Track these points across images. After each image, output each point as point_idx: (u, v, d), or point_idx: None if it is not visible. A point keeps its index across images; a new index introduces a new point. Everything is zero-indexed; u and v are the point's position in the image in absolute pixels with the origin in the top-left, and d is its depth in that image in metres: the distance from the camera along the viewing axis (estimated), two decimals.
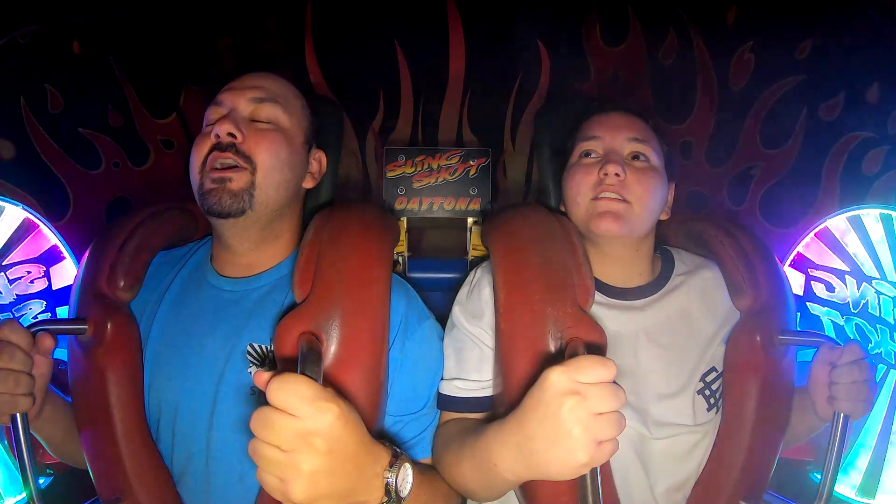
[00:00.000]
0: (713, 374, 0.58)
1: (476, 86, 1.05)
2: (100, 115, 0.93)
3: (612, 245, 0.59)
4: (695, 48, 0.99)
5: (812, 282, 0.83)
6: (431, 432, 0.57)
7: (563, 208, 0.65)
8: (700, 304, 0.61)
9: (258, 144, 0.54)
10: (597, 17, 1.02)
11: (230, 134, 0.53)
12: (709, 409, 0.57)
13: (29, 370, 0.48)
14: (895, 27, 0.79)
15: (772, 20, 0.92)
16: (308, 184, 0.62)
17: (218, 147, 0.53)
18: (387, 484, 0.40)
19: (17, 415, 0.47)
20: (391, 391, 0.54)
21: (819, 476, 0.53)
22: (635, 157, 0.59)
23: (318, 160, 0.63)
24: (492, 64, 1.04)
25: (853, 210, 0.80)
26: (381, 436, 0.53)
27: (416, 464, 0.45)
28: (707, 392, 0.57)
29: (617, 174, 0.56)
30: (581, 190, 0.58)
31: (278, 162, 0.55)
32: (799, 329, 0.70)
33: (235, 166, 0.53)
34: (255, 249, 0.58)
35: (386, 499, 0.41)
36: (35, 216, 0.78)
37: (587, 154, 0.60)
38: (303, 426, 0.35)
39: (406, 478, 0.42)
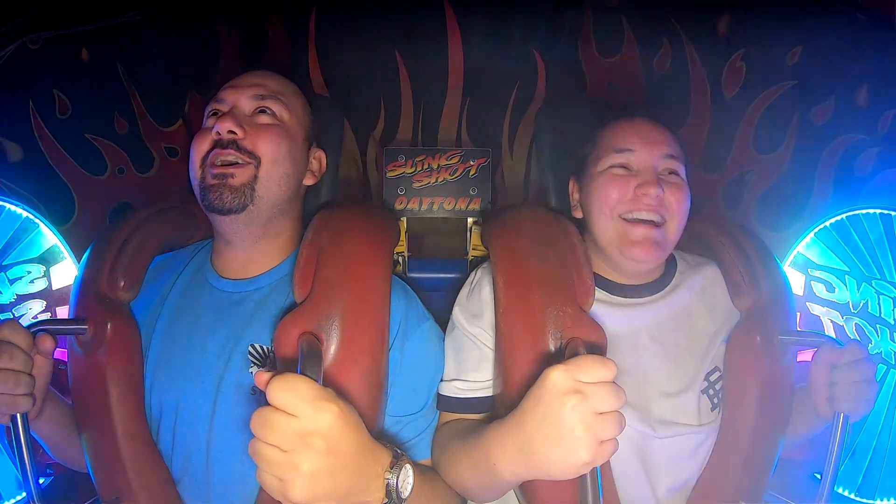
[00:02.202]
0: (717, 374, 0.58)
1: (474, 95, 1.07)
2: (106, 121, 0.95)
3: (635, 265, 0.58)
4: (688, 57, 1.02)
5: (812, 282, 0.83)
6: (431, 433, 0.57)
7: (577, 214, 0.64)
8: (701, 303, 0.61)
9: (260, 139, 0.55)
10: (591, 28, 1.05)
11: (231, 131, 0.54)
12: (713, 409, 0.57)
13: (29, 370, 0.48)
14: (882, 30, 0.81)
15: (762, 28, 0.95)
16: (308, 181, 0.62)
17: (219, 144, 0.54)
18: (387, 485, 0.40)
19: (17, 415, 0.47)
20: (390, 392, 0.54)
21: (819, 476, 0.53)
22: (667, 172, 0.58)
23: (319, 158, 0.64)
24: (489, 74, 1.06)
25: (853, 210, 0.81)
26: (381, 436, 0.53)
27: (415, 464, 0.45)
28: (711, 392, 0.57)
29: (658, 195, 0.55)
30: (612, 204, 0.56)
31: (280, 155, 0.56)
32: (799, 329, 0.71)
33: (237, 163, 0.54)
34: (255, 246, 0.58)
35: (386, 500, 0.40)
36: (35, 216, 0.79)
37: (619, 166, 0.58)
38: (302, 426, 0.35)
39: (407, 479, 0.42)
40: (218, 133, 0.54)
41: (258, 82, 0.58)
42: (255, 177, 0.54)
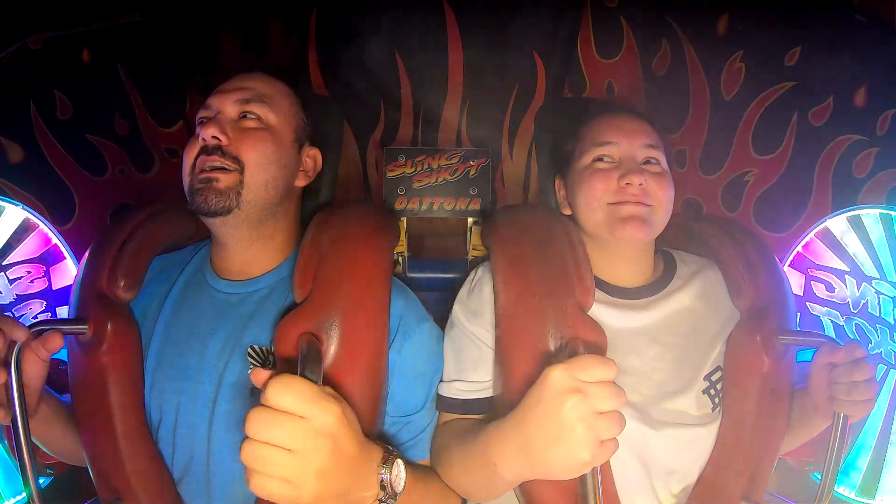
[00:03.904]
0: (718, 374, 0.58)
1: (474, 95, 1.07)
2: (107, 122, 0.95)
3: (627, 247, 0.60)
4: (687, 59, 1.02)
5: (812, 282, 0.83)
6: (429, 434, 0.57)
7: (566, 211, 0.65)
8: (703, 303, 0.61)
9: (244, 144, 0.55)
10: (591, 30, 1.05)
11: (215, 137, 0.54)
12: (714, 409, 0.57)
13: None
14: (880, 31, 0.82)
15: (761, 29, 0.95)
16: (301, 182, 0.62)
17: (205, 150, 0.55)
18: (381, 480, 0.41)
19: (18, 415, 0.47)
20: (389, 392, 0.54)
21: (819, 476, 0.53)
22: (647, 161, 0.59)
23: (313, 157, 0.64)
24: (489, 74, 1.06)
25: (853, 210, 0.81)
26: (381, 438, 0.53)
27: (410, 463, 0.46)
28: (712, 391, 0.57)
29: (641, 184, 0.56)
30: (598, 196, 0.58)
31: (265, 159, 0.56)
32: (799, 329, 0.71)
33: (223, 168, 0.54)
34: (250, 248, 0.59)
35: (382, 494, 0.41)
36: (35, 216, 0.79)
37: (601, 159, 0.60)
38: (310, 426, 0.35)
39: (399, 474, 0.42)
40: (203, 140, 0.55)
41: (244, 86, 0.58)
42: (241, 182, 0.54)
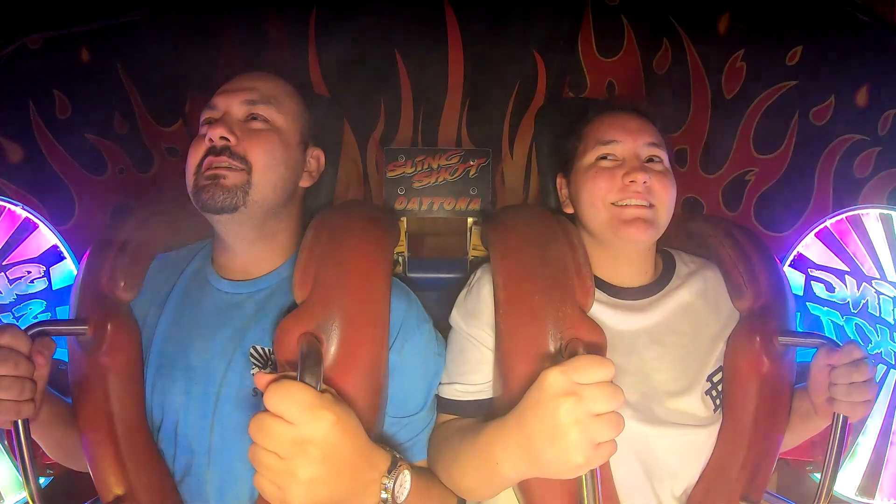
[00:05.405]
0: (720, 375, 0.58)
1: (474, 96, 1.07)
2: (106, 121, 0.95)
3: (629, 248, 0.59)
4: (688, 57, 1.02)
5: (812, 282, 0.83)
6: (427, 435, 0.57)
7: (568, 210, 0.65)
8: (703, 303, 0.61)
9: (252, 145, 0.55)
10: (592, 28, 1.05)
11: (223, 138, 0.54)
12: (715, 411, 0.57)
13: (31, 376, 0.48)
14: (882, 31, 0.81)
15: (762, 28, 0.95)
16: (305, 182, 0.62)
17: (212, 151, 0.54)
18: (384, 489, 0.41)
19: None
20: (388, 393, 0.54)
21: (819, 476, 0.53)
22: (650, 159, 0.59)
23: (317, 158, 0.64)
24: (490, 74, 1.06)
25: (853, 210, 0.81)
26: (382, 439, 0.53)
27: (413, 468, 0.45)
28: (714, 393, 0.57)
29: (645, 181, 0.56)
30: (602, 194, 0.58)
31: (273, 161, 0.56)
32: (799, 329, 0.71)
33: (230, 167, 0.54)
34: (252, 247, 0.59)
35: (383, 503, 0.41)
36: (35, 216, 0.79)
37: (604, 157, 0.60)
38: (298, 433, 0.35)
39: (404, 483, 0.42)
40: (210, 140, 0.54)
41: (250, 86, 0.58)
42: (248, 182, 0.54)
